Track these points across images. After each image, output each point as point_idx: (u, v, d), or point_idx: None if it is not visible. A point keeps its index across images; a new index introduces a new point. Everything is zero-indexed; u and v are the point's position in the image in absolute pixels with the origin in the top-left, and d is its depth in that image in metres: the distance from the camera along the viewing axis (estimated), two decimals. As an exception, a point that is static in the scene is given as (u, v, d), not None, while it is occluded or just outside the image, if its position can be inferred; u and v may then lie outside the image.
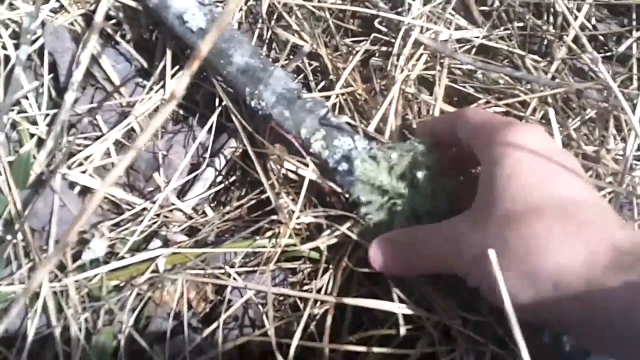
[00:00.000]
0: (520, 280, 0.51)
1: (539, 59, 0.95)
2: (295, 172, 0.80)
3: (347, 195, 0.75)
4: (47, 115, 0.93)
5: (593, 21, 1.01)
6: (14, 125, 0.91)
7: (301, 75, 0.93)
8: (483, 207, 0.56)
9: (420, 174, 0.68)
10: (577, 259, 0.49)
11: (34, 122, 0.92)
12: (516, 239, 0.52)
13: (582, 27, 0.95)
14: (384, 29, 0.93)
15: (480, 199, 0.58)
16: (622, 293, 0.47)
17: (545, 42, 0.99)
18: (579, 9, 0.94)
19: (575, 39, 0.92)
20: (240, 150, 0.90)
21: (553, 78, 0.91)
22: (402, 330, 0.65)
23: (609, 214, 0.53)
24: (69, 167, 0.87)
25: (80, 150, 0.90)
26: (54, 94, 0.95)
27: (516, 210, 0.53)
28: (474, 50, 0.96)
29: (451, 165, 0.72)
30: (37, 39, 0.96)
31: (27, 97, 0.94)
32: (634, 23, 0.99)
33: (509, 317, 0.34)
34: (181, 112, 0.98)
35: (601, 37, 1.01)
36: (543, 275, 0.50)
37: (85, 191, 0.88)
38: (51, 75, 0.95)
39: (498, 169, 0.56)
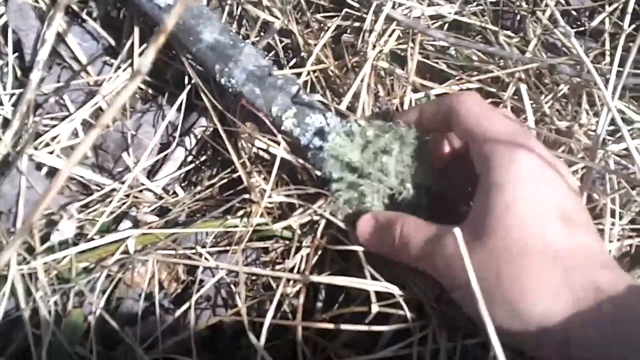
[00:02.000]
0: (506, 314, 0.53)
1: (512, 34, 0.95)
2: (266, 151, 0.80)
3: (318, 173, 0.74)
4: (12, 95, 0.91)
5: (566, -4, 1.01)
6: (-22, 106, 0.90)
7: (272, 53, 0.92)
8: (477, 230, 0.56)
9: (386, 159, 0.68)
10: (562, 305, 0.51)
11: (-1, 102, 0.91)
12: (509, 275, 0.53)
13: (556, 2, 0.94)
14: (356, 5, 0.92)
15: (474, 221, 0.58)
16: (599, 338, 0.49)
17: (518, 17, 0.99)
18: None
19: (548, 14, 0.92)
20: (211, 129, 0.89)
21: (526, 53, 0.91)
22: (374, 308, 0.64)
23: (595, 257, 0.54)
24: (36, 148, 0.85)
25: (47, 131, 0.88)
26: (19, 73, 0.93)
27: (510, 245, 0.54)
28: (446, 26, 0.95)
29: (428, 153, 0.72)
30: (0, 16, 0.94)
31: (-9, 77, 0.92)
32: (607, -2, 0.99)
33: (475, 294, 0.34)
34: (150, 90, 0.97)
35: (574, 12, 1.01)
36: (529, 317, 0.52)
37: (53, 172, 0.87)
38: (16, 54, 0.93)
39: (497, 195, 0.56)
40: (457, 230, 0.38)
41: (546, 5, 0.93)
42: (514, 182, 0.56)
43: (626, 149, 0.81)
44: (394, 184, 0.69)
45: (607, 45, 0.93)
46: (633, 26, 0.83)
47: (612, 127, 0.84)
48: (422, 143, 0.70)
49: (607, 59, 0.93)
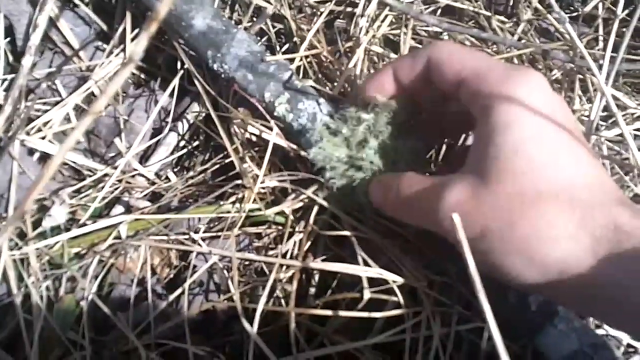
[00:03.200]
0: (525, 263, 0.51)
1: (505, 19, 0.95)
2: (259, 136, 0.79)
3: (310, 158, 0.74)
4: (4, 80, 0.90)
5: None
6: (-31, 91, 0.89)
7: (264, 38, 0.92)
8: (483, 179, 0.53)
9: (374, 143, 0.68)
10: (582, 248, 0.49)
11: (-9, 87, 0.90)
12: (524, 224, 0.51)
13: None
14: (349, -10, 0.91)
15: (479, 168, 0.55)
16: (622, 275, 0.48)
17: (511, 3, 0.99)
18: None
19: (541, 0, 0.92)
20: (204, 114, 0.89)
21: (519, 39, 0.91)
22: (367, 294, 0.64)
23: (612, 194, 0.52)
24: (28, 133, 0.85)
25: (39, 116, 0.88)
26: (10, 58, 0.93)
27: (522, 191, 0.51)
28: (439, 11, 0.95)
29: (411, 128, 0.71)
30: (-9, 1, 0.93)
31: (-18, 62, 0.92)
32: (600, -18, 0.99)
33: (474, 281, 0.33)
34: (142, 75, 0.96)
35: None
36: (549, 262, 0.50)
37: (45, 157, 0.87)
38: (7, 39, 0.92)
39: (502, 137, 0.53)
40: (455, 216, 0.38)
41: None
42: (519, 121, 0.53)
43: (620, 135, 0.81)
44: (386, 165, 0.68)
45: (601, 31, 0.93)
46: (626, 11, 0.83)
47: (605, 113, 0.84)
48: (396, 116, 0.69)
49: (601, 44, 0.93)
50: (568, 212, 0.50)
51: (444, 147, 0.79)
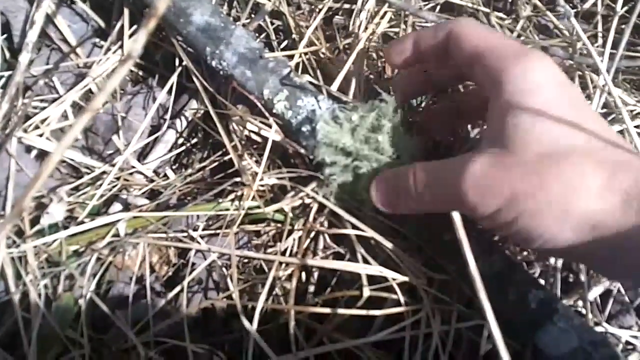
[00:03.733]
0: (558, 223, 0.51)
1: (504, 16, 0.95)
2: (258, 134, 0.79)
3: (311, 156, 0.74)
4: (1, 77, 0.90)
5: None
6: (-34, 88, 0.89)
7: (263, 35, 0.92)
8: (505, 147, 0.54)
9: (380, 137, 0.67)
10: (613, 202, 0.49)
11: (-12, 85, 0.90)
12: (553, 183, 0.51)
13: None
14: (347, -14, 0.91)
15: (498, 138, 0.55)
16: None
17: (510, -1, 0.99)
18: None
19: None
20: (202, 111, 0.88)
21: (518, 36, 0.91)
22: (366, 291, 0.64)
23: (632, 152, 0.53)
24: (25, 131, 0.85)
25: (37, 113, 0.87)
26: (7, 55, 0.92)
27: (548, 154, 0.52)
28: (438, 7, 0.95)
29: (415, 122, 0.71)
30: (-12, -2, 0.93)
31: (-21, 59, 0.91)
32: (599, -21, 0.98)
33: (474, 278, 0.33)
34: (140, 72, 0.96)
35: (566, -6, 1.01)
36: (582, 219, 0.50)
37: (43, 155, 0.86)
38: (4, 36, 0.92)
39: (520, 106, 0.54)
40: (455, 214, 0.38)
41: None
42: (537, 89, 0.54)
43: (620, 132, 0.80)
44: (391, 159, 0.68)
45: (600, 28, 0.93)
46: (625, 8, 0.83)
47: (604, 110, 0.84)
48: (405, 110, 0.70)
49: (600, 41, 0.93)
50: (598, 169, 0.50)
51: (447, 143, 0.79)
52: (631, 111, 0.85)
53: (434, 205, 0.61)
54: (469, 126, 0.79)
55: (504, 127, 0.55)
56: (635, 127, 0.81)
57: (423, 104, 0.76)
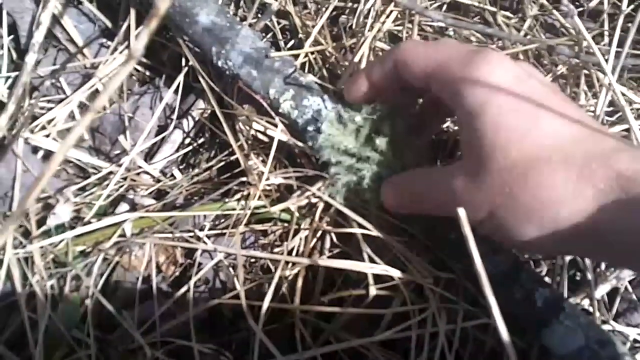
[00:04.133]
0: (536, 228, 0.52)
1: (511, 15, 0.95)
2: (264, 133, 0.79)
3: (317, 156, 0.74)
4: (7, 78, 0.90)
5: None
6: (-27, 89, 0.89)
7: (269, 34, 0.91)
8: (476, 161, 0.55)
9: (380, 140, 0.67)
10: (587, 202, 0.50)
11: (-5, 86, 0.90)
12: (525, 194, 0.52)
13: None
14: (353, -14, 0.91)
15: (470, 152, 0.56)
16: (630, 223, 0.48)
17: (517, -2, 0.98)
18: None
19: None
20: (209, 111, 0.88)
21: (525, 34, 0.91)
22: (372, 290, 0.64)
23: (606, 143, 0.53)
24: (32, 131, 0.85)
25: (43, 114, 0.87)
26: (14, 55, 0.93)
27: (514, 163, 0.52)
28: (445, 6, 0.95)
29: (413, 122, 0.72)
30: (-6, -1, 0.93)
31: (-14, 60, 0.91)
32: (605, -23, 0.98)
33: (480, 277, 0.33)
34: (147, 73, 0.96)
35: (573, -7, 1.01)
36: (559, 223, 0.51)
37: (49, 156, 0.86)
38: (11, 36, 0.92)
39: (480, 120, 0.54)
40: (461, 211, 0.38)
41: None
42: (489, 100, 0.54)
43: (627, 130, 0.80)
44: (392, 162, 0.68)
45: (606, 26, 0.92)
46: (631, 7, 0.83)
47: (610, 108, 0.84)
48: (403, 117, 0.70)
49: (606, 39, 0.93)
50: (564, 171, 0.51)
51: (448, 142, 0.79)
52: (637, 109, 0.85)
53: (434, 210, 0.63)
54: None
55: (470, 141, 0.56)
56: (640, 125, 0.81)
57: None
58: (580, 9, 0.98)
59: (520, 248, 0.58)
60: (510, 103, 0.53)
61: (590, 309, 0.73)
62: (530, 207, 0.52)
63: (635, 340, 0.74)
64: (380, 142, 0.67)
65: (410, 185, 0.64)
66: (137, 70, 0.96)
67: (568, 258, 0.75)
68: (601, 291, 0.76)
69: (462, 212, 0.37)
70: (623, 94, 0.83)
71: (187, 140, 0.91)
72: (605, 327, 0.73)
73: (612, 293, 0.77)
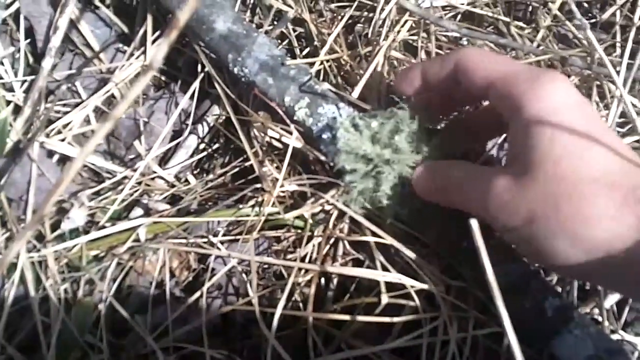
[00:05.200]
0: (571, 245, 0.52)
1: (524, 25, 0.95)
2: (279, 140, 0.80)
3: (331, 163, 0.74)
4: (24, 81, 0.91)
5: (578, -12, 1.01)
6: (-10, 92, 0.89)
7: (285, 42, 0.92)
8: (524, 167, 0.55)
9: (400, 141, 0.68)
10: (626, 227, 0.50)
11: (11, 89, 0.90)
12: (568, 206, 0.52)
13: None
14: (369, -6, 0.91)
15: (518, 158, 0.57)
16: None
17: (530, 8, 0.98)
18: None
19: (560, 6, 0.92)
20: (224, 117, 0.89)
21: (538, 45, 0.91)
22: (384, 298, 0.64)
23: None
24: (47, 135, 0.85)
25: (59, 118, 0.88)
26: (31, 59, 0.93)
27: (563, 176, 0.53)
28: (459, 16, 0.95)
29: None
30: (12, 2, 0.93)
31: (2, 63, 0.92)
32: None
33: (491, 286, 0.33)
34: (163, 78, 0.96)
35: (585, 4, 1.01)
36: (594, 242, 0.51)
37: (64, 159, 0.87)
38: (28, 40, 0.93)
39: (537, 131, 0.55)
40: (473, 222, 0.38)
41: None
42: (550, 114, 0.54)
43: (638, 141, 0.80)
44: (411, 159, 0.68)
45: (618, 38, 0.93)
46: (644, 19, 0.83)
47: (622, 120, 0.84)
48: (422, 119, 0.70)
49: (618, 51, 0.93)
50: (609, 194, 0.51)
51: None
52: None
53: (462, 205, 0.62)
54: (486, 142, 0.79)
55: (523, 148, 0.56)
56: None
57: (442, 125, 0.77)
58: (593, 20, 0.99)
59: (546, 263, 0.57)
60: (568, 122, 0.54)
61: (600, 319, 0.73)
62: (569, 219, 0.52)
63: (645, 351, 0.74)
64: (399, 139, 0.68)
65: (447, 172, 0.64)
66: (153, 76, 0.96)
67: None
68: (610, 301, 0.76)
69: (474, 223, 0.37)
70: (634, 105, 0.84)
71: (202, 146, 0.91)
72: (615, 336, 0.73)
73: (621, 303, 0.77)
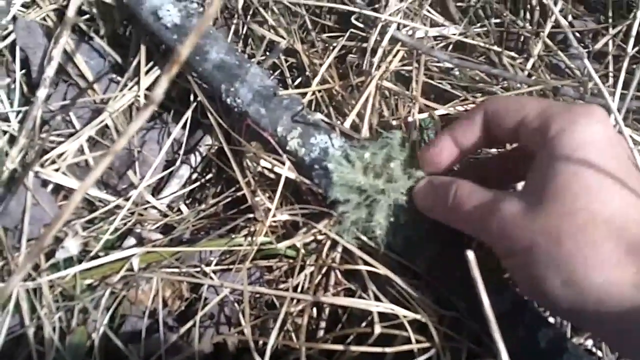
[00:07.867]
0: (566, 287, 0.52)
1: (516, 55, 0.95)
2: (271, 170, 0.80)
3: (323, 193, 0.75)
4: (19, 112, 0.91)
5: (570, 18, 1.01)
6: (-15, 122, 0.90)
7: (277, 72, 0.92)
8: (539, 198, 0.55)
9: (394, 166, 0.68)
10: (625, 279, 0.49)
11: (6, 119, 0.91)
12: (571, 243, 0.51)
13: (557, 24, 0.94)
14: (361, 25, 0.91)
15: (536, 188, 0.56)
16: None
17: (522, 38, 0.99)
18: (556, 5, 0.94)
19: (553, 36, 0.93)
20: (216, 147, 0.89)
21: (530, 75, 0.91)
22: (377, 328, 0.64)
23: None
24: (42, 165, 0.86)
25: (53, 148, 0.88)
26: (26, 90, 0.94)
27: (575, 212, 0.52)
28: (450, 47, 0.96)
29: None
30: (8, 34, 0.94)
31: (-2, 94, 0.92)
32: (610, 20, 0.99)
33: (488, 317, 0.34)
34: (155, 108, 0.96)
35: (577, 34, 1.01)
36: (590, 286, 0.50)
37: (59, 189, 0.87)
38: (23, 71, 0.94)
39: (562, 163, 0.54)
40: (469, 253, 0.38)
41: (553, 27, 0.93)
42: (580, 148, 0.54)
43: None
44: (405, 186, 0.69)
45: (611, 68, 0.93)
46: (637, 48, 0.84)
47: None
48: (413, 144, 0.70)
49: (611, 80, 0.93)
50: (615, 240, 0.51)
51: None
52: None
53: (460, 224, 0.63)
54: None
55: (543, 179, 0.55)
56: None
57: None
58: (586, 50, 0.99)
59: (537, 298, 0.57)
60: (594, 160, 0.53)
61: (594, 349, 0.73)
62: (569, 257, 0.51)
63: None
64: (394, 166, 0.68)
65: (450, 189, 0.63)
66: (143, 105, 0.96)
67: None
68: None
69: (470, 254, 0.38)
70: (632, 138, 0.84)
71: (195, 176, 0.91)
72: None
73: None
